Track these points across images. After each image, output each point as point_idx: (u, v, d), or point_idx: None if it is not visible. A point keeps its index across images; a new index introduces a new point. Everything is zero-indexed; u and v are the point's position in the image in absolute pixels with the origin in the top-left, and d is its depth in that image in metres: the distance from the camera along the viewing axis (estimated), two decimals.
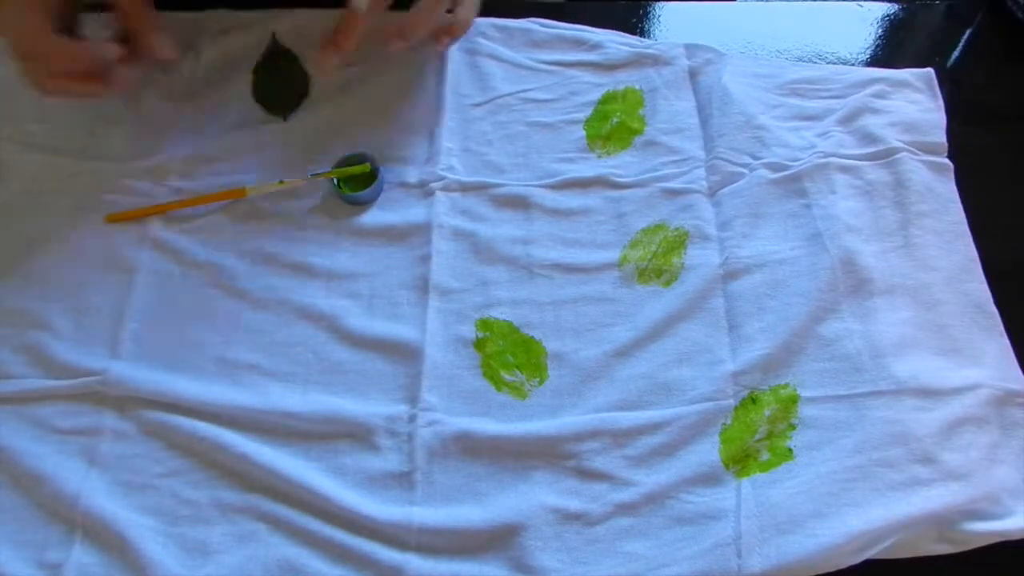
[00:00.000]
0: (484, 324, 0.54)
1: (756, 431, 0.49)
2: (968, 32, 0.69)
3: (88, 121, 0.62)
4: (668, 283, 0.55)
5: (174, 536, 0.47)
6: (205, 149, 0.60)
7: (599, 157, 0.61)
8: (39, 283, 0.55)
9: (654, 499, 0.48)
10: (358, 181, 0.59)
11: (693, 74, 0.64)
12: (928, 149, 0.59)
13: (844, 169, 0.58)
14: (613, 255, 0.56)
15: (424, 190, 0.59)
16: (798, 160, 0.58)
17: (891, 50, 0.68)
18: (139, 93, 0.63)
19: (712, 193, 0.58)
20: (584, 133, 0.62)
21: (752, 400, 0.50)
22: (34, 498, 0.48)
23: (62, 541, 0.47)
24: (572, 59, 0.65)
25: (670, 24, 0.69)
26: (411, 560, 0.46)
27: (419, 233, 0.57)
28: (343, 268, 0.56)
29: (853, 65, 0.66)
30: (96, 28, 0.58)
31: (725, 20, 0.70)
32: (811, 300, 0.52)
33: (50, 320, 0.54)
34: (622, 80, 0.64)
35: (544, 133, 0.62)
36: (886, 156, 0.58)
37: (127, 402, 0.51)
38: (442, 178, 0.59)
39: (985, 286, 0.54)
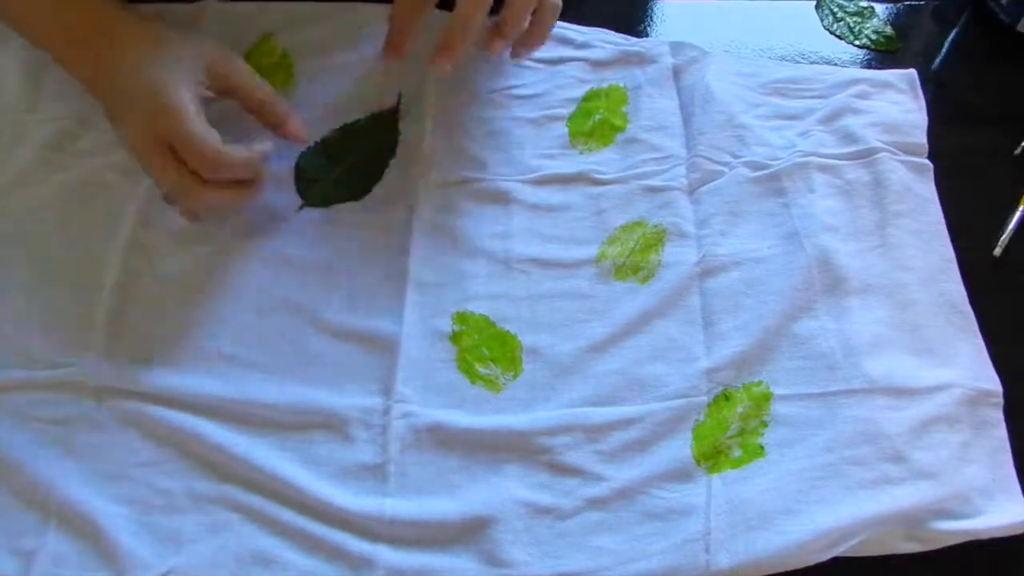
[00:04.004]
0: (461, 318, 0.54)
1: (728, 428, 0.50)
2: (953, 33, 0.70)
3: (87, 120, 0.61)
4: (645, 280, 0.55)
5: (147, 525, 0.47)
6: None
7: (581, 154, 0.61)
8: (18, 275, 0.55)
9: (625, 494, 0.48)
10: None
11: (677, 72, 0.64)
12: (908, 150, 0.59)
13: (824, 168, 0.58)
14: (591, 251, 0.56)
15: (404, 183, 0.59)
16: (778, 159, 0.58)
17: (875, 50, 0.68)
18: None
19: (692, 191, 0.59)
20: (567, 129, 0.62)
21: (725, 397, 0.51)
22: (8, 486, 0.48)
23: (36, 529, 0.47)
24: (557, 56, 0.65)
25: (656, 22, 0.69)
26: (382, 551, 0.46)
27: (399, 226, 0.57)
28: (322, 260, 0.56)
29: (837, 65, 0.66)
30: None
31: (711, 18, 0.70)
32: (786, 298, 0.52)
33: (28, 310, 0.54)
34: (606, 78, 0.64)
35: (527, 129, 0.62)
36: (866, 156, 0.58)
37: (104, 392, 0.51)
38: (423, 172, 0.59)
39: (961, 286, 0.54)
